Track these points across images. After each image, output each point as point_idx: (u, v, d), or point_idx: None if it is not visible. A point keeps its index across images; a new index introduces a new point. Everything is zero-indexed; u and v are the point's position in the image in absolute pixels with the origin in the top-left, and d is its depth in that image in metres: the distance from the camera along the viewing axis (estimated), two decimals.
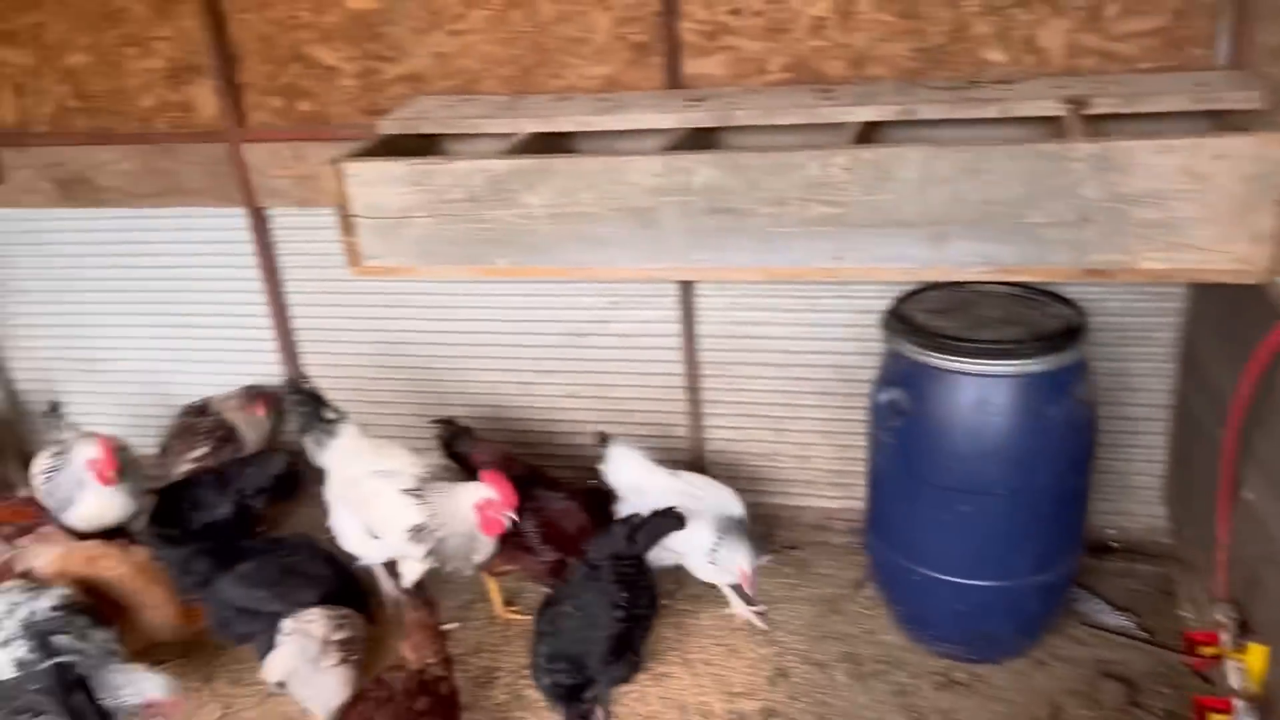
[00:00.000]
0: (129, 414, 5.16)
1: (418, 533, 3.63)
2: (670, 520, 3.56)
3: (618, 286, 4.37)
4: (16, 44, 4.56)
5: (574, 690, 3.38)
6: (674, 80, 4.01)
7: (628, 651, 3.45)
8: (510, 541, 3.87)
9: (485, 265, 3.69)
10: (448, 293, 4.60)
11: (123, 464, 4.15)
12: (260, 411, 4.74)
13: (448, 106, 4.06)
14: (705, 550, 3.85)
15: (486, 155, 3.62)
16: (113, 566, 3.69)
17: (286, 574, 3.65)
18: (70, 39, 4.49)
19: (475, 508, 3.61)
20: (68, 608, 3.35)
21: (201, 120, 4.51)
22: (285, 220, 4.66)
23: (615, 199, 3.46)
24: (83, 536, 4.01)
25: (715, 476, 4.21)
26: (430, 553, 3.65)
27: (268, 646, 3.46)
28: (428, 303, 4.66)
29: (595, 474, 4.21)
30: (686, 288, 4.30)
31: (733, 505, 3.94)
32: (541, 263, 3.64)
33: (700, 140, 3.67)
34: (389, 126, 3.96)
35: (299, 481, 4.39)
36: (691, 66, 3.99)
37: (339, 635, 3.43)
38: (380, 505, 3.76)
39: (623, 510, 3.93)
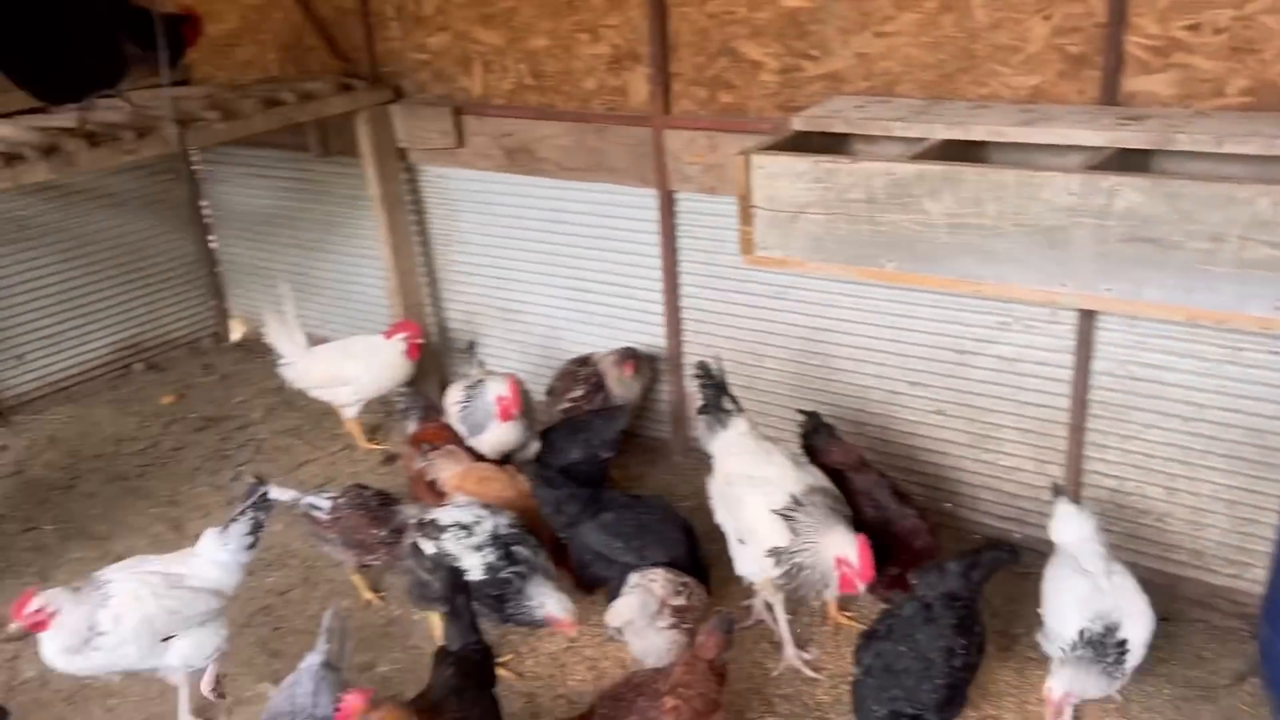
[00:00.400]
0: (530, 360, 5.76)
1: (776, 555, 3.67)
2: (1005, 554, 3.35)
3: (1010, 307, 4.17)
4: (492, 26, 5.21)
5: None
6: (1109, 96, 3.73)
7: (958, 698, 3.32)
8: None
9: (873, 268, 3.68)
10: (829, 291, 4.64)
11: (524, 403, 4.69)
12: (628, 372, 5.09)
13: (860, 107, 4.08)
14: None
15: (892, 158, 3.60)
16: (499, 490, 4.16)
17: (642, 530, 3.90)
18: (535, 23, 5.05)
19: (835, 560, 3.57)
20: (521, 526, 3.85)
21: (632, 105, 4.89)
22: (690, 205, 4.93)
23: (1022, 215, 3.30)
24: (482, 459, 4.54)
25: None
26: (784, 575, 3.67)
27: (614, 594, 3.73)
28: (808, 299, 4.73)
29: (951, 499, 4.07)
30: (1086, 318, 4.00)
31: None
32: (931, 272, 3.56)
33: (1128, 162, 3.40)
34: (800, 123, 4.06)
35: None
36: (1132, 83, 3.69)
37: (677, 600, 3.61)
38: (748, 514, 3.83)
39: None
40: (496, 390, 4.65)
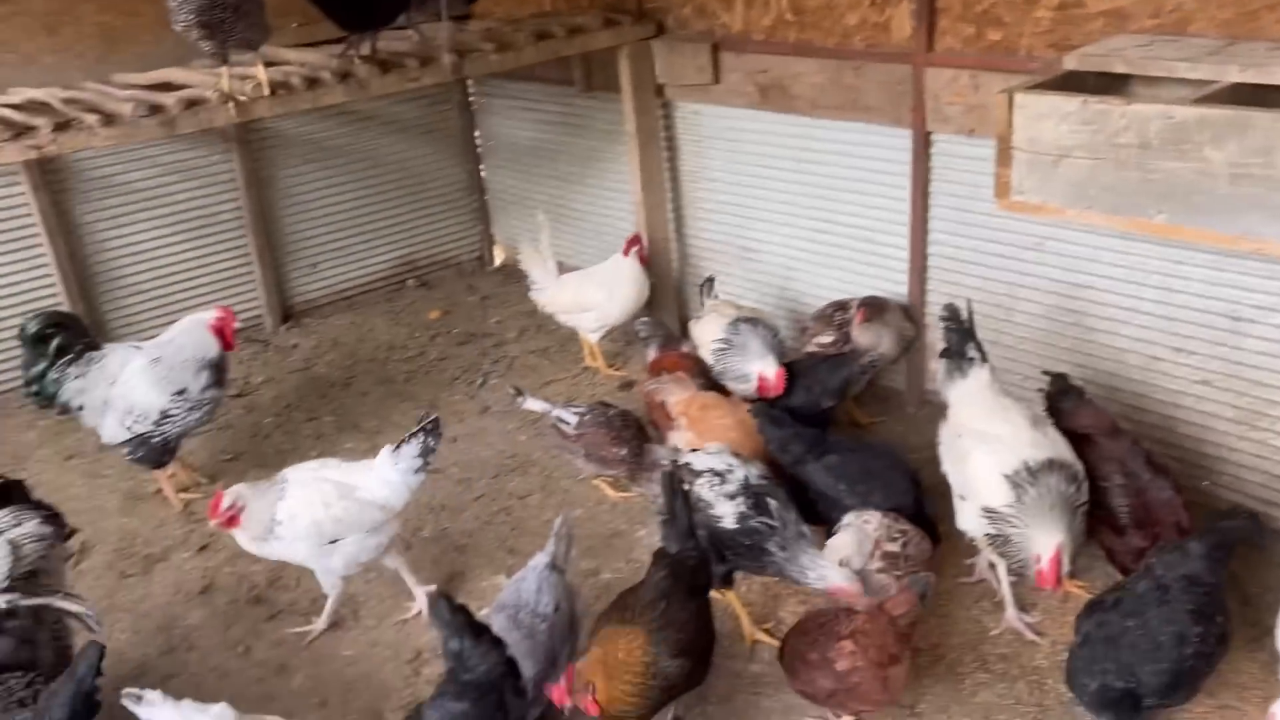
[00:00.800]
0: (766, 300, 5.80)
1: (991, 516, 3.58)
2: (1245, 525, 3.07)
3: None
4: None
5: (1122, 704, 3.14)
6: None
7: (1186, 684, 3.12)
8: (1097, 518, 3.67)
9: (1140, 218, 3.43)
10: (1091, 245, 4.37)
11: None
12: (858, 319, 4.93)
13: (1143, 46, 3.77)
14: None
15: (1173, 101, 3.32)
16: (719, 417, 4.25)
17: (868, 475, 3.88)
18: None
19: (1039, 557, 3.44)
20: (770, 479, 3.79)
21: (893, 41, 4.76)
22: (946, 147, 4.76)
23: None
24: (711, 387, 4.64)
25: None
26: (994, 539, 3.59)
27: (831, 533, 3.76)
28: (1067, 252, 4.47)
29: (1210, 478, 3.76)
30: None
31: None
32: (1207, 226, 3.28)
33: None
34: (1073, 62, 3.80)
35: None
36: None
37: (891, 545, 3.58)
38: (971, 468, 3.72)
39: None
40: (761, 369, 4.63)
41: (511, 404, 5.66)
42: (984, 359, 3.99)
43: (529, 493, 4.92)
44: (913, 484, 3.92)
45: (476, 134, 7.56)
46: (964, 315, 4.03)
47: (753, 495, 3.68)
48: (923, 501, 3.93)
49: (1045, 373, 4.27)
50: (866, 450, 4.14)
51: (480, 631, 2.98)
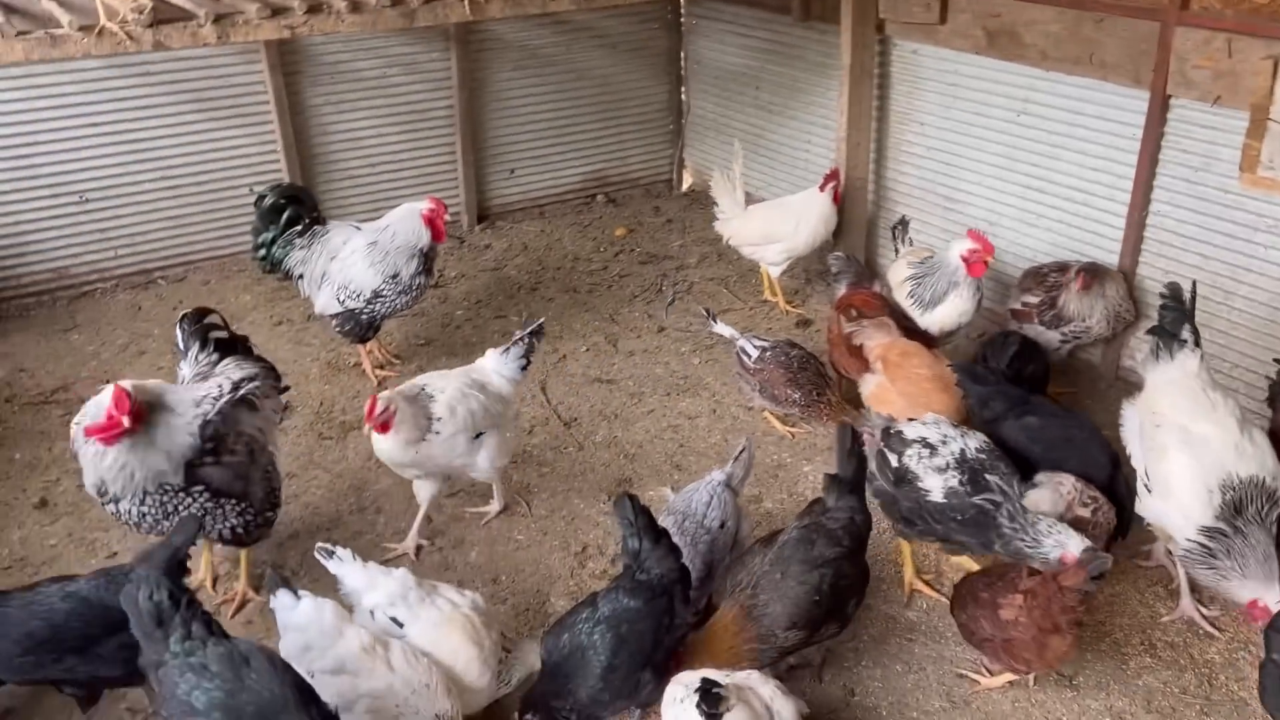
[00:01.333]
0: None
1: (1196, 541, 3.37)
2: None
3: None
4: None
5: None
6: None
7: None
8: None
9: None
10: None
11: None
12: (1077, 285, 4.72)
13: None
14: None
15: None
16: (919, 367, 4.19)
17: (1065, 443, 3.73)
18: None
19: (1249, 601, 3.26)
20: (992, 451, 3.60)
21: None
22: (1185, 113, 4.48)
23: None
24: (911, 334, 4.60)
25: None
26: (1188, 555, 3.40)
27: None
28: None
29: None
30: None
31: None
32: None
33: None
34: None
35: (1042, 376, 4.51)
36: None
37: (1083, 510, 3.50)
38: (1168, 469, 3.47)
39: None
40: (961, 248, 4.64)
41: (688, 326, 5.78)
42: (1197, 344, 3.74)
43: (698, 414, 5.01)
44: (1111, 461, 3.75)
45: (682, 55, 7.56)
46: (1185, 295, 3.77)
47: (968, 470, 3.50)
48: (1117, 480, 3.76)
49: (1277, 360, 4.02)
50: (1069, 418, 3.96)
51: (659, 535, 3.09)
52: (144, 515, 3.37)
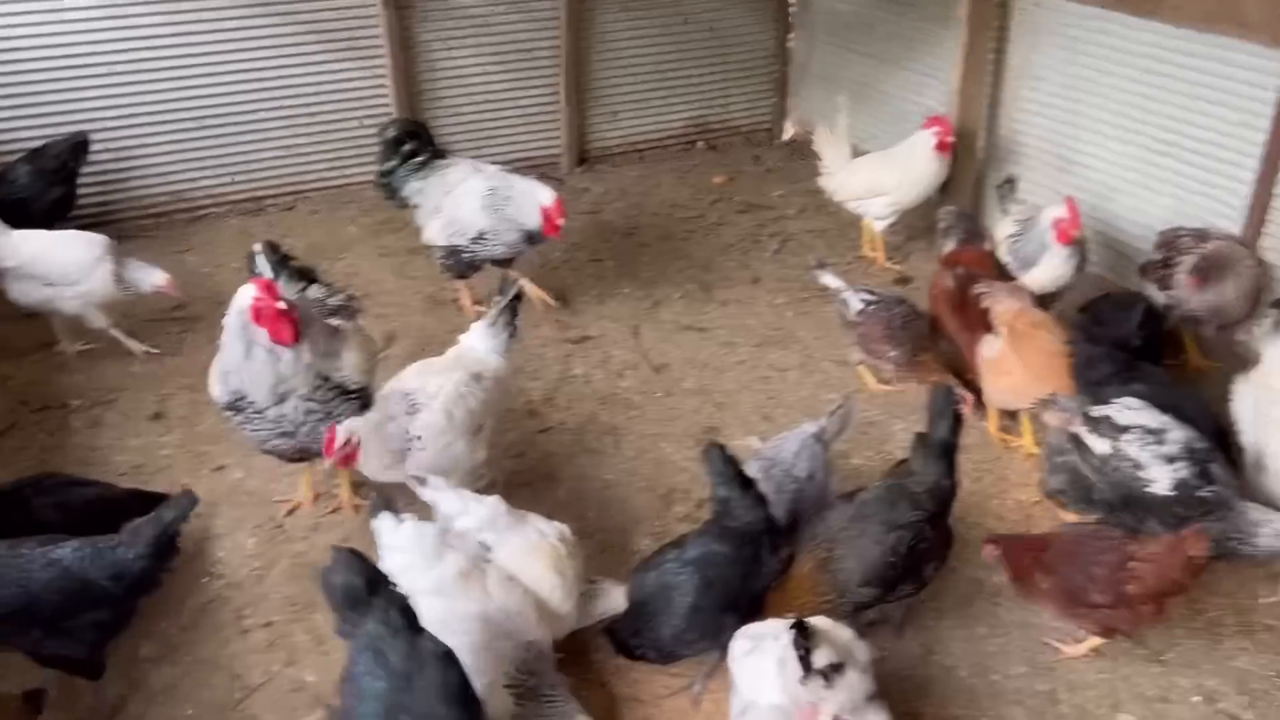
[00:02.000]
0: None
1: None
2: None
3: None
4: None
5: None
6: None
7: None
8: None
9: None
10: None
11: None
12: (1190, 282, 4.35)
13: None
14: None
15: None
16: (1046, 340, 4.05)
17: (1173, 412, 3.60)
18: None
19: None
20: (1207, 444, 3.40)
21: None
22: None
23: None
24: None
25: None
26: None
27: None
28: None
29: None
30: None
31: None
32: None
33: None
34: None
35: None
36: None
37: None
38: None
39: None
40: (1054, 213, 4.58)
41: (785, 278, 5.73)
42: None
43: (789, 367, 4.99)
44: (1216, 436, 3.62)
45: (791, 1, 7.41)
46: None
47: (1198, 462, 3.33)
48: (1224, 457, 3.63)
49: None
50: (1178, 391, 3.83)
51: (748, 484, 3.11)
52: (310, 413, 3.55)
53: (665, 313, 5.46)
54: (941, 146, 5.42)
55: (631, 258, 6.03)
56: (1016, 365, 4.05)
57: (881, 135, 6.67)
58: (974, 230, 5.12)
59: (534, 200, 4.96)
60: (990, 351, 4.18)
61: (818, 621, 2.88)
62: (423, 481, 3.27)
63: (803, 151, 7.17)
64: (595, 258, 6.05)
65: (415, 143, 5.14)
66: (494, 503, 3.26)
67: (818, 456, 3.63)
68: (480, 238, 4.98)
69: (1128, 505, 3.41)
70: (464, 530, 3.19)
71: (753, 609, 3.14)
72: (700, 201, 6.77)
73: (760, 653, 2.75)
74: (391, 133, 5.15)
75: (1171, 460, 3.34)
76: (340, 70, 6.35)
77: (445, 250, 5.08)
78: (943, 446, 3.32)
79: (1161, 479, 3.33)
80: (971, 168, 6.01)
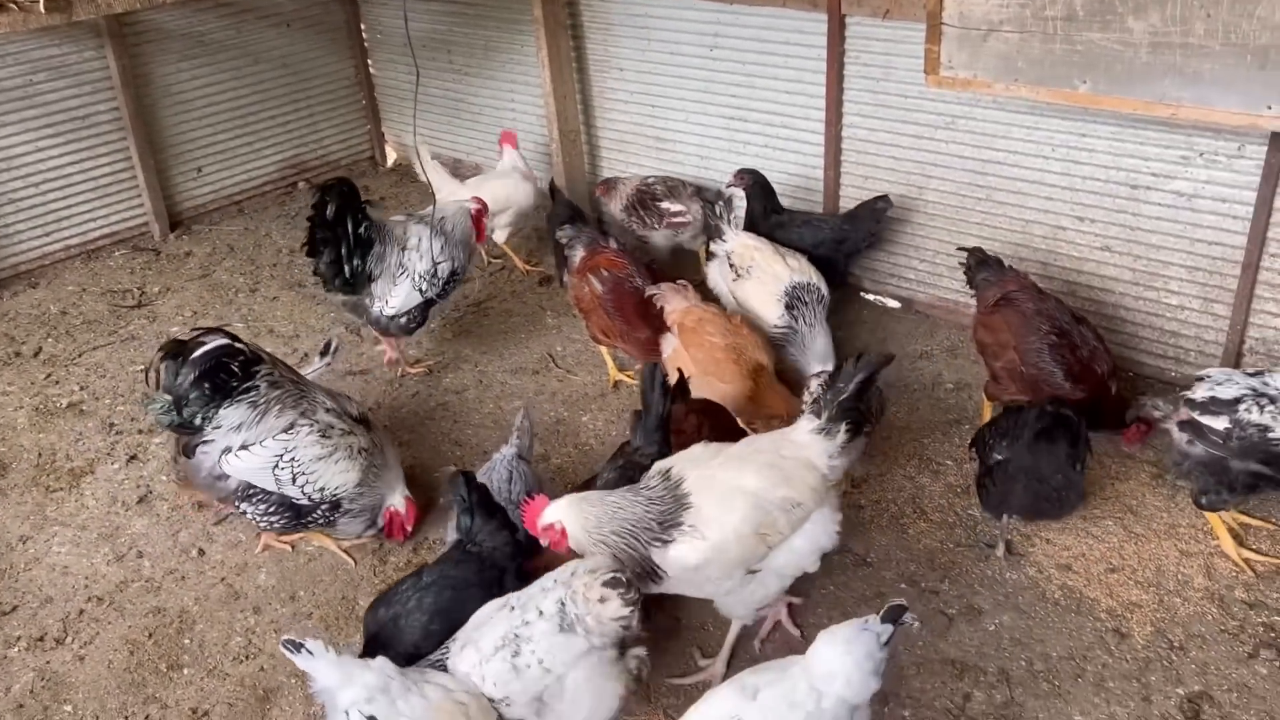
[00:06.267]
0: None
1: None
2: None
3: (1194, 140, 4.09)
4: None
5: None
6: None
7: None
8: (1033, 379, 3.94)
9: (1064, 89, 3.65)
10: (1001, 122, 4.59)
11: None
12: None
13: None
14: None
15: None
16: (713, 335, 4.23)
17: None
18: None
19: None
20: None
21: None
22: (860, 30, 4.87)
23: (1233, 33, 3.23)
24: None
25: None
26: None
27: None
28: (978, 129, 4.69)
29: (1110, 337, 4.06)
30: (1276, 153, 3.90)
31: None
32: (1126, 94, 3.53)
33: None
34: None
35: None
36: None
37: None
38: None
39: None
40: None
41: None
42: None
43: (465, 388, 4.92)
44: None
45: (363, 27, 7.25)
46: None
47: None
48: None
49: (960, 248, 4.51)
50: None
51: (493, 511, 3.03)
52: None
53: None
54: (477, 220, 5.10)
55: (263, 315, 5.62)
56: (687, 361, 4.21)
57: (486, 147, 6.76)
58: (594, 234, 5.16)
59: (463, 212, 4.87)
60: (667, 349, 4.34)
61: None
62: (297, 648, 2.62)
63: (411, 175, 7.10)
64: (221, 322, 5.55)
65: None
66: (381, 665, 2.71)
67: (527, 473, 3.62)
68: (451, 275, 4.79)
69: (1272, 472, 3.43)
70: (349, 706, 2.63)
71: None
72: None
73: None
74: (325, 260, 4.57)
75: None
76: None
77: (417, 307, 4.73)
78: (659, 419, 3.44)
79: None
80: (581, 165, 6.25)
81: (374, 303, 4.70)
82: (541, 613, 2.70)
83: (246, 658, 3.46)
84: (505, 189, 5.69)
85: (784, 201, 5.21)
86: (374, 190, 7.17)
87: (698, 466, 2.99)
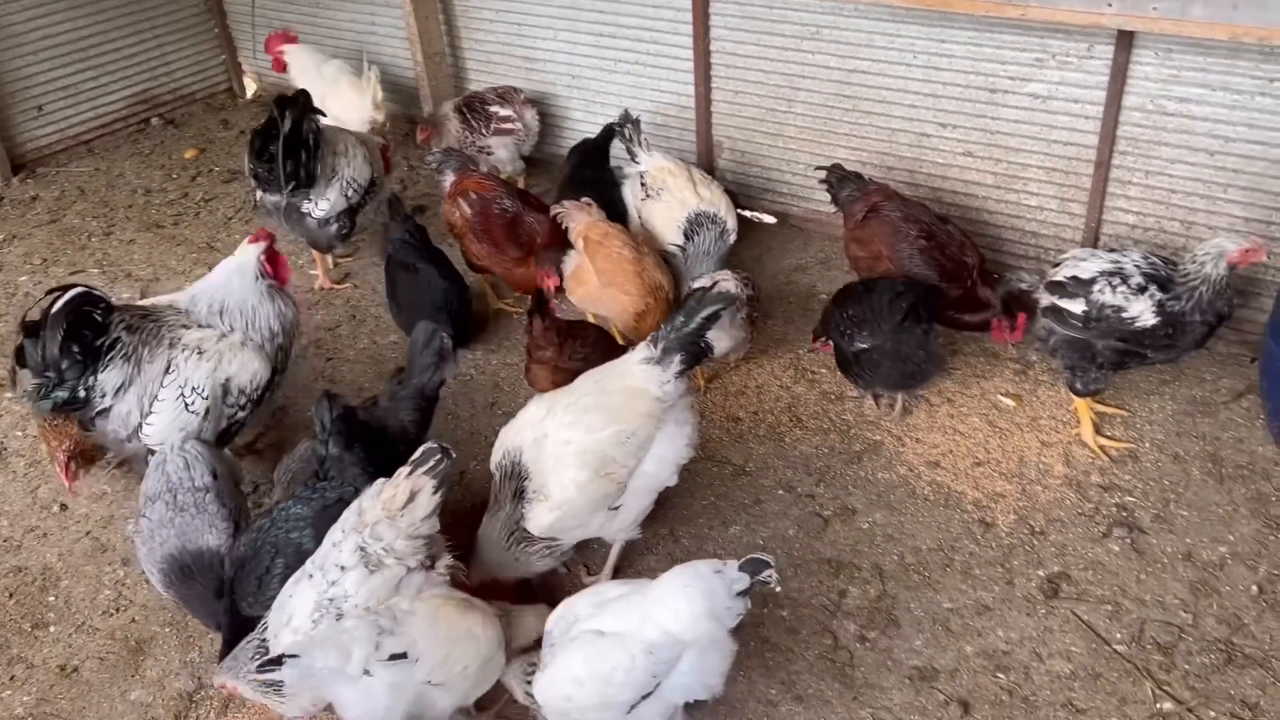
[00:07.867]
0: (556, 108, 5.76)
1: None
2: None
3: (1046, 43, 4.17)
4: None
5: None
6: None
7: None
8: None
9: None
10: (863, 30, 4.62)
11: None
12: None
13: None
14: None
15: None
16: (621, 248, 4.20)
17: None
18: None
19: None
20: (1150, 255, 3.59)
21: None
22: None
23: None
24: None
25: None
26: None
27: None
28: (842, 39, 4.70)
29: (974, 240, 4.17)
30: (1123, 51, 4.01)
31: None
32: None
33: None
34: None
35: None
36: None
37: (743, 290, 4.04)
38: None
39: None
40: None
41: (298, 239, 5.42)
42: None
43: (338, 323, 4.79)
44: None
45: None
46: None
47: (1158, 281, 3.44)
48: None
49: (819, 168, 4.54)
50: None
51: (351, 443, 2.95)
52: None
53: None
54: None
55: (120, 258, 5.35)
56: (591, 274, 4.16)
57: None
58: (464, 158, 5.06)
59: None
60: (570, 266, 4.26)
61: None
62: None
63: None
64: (75, 269, 5.28)
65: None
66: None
67: (205, 454, 3.23)
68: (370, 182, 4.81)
69: (1127, 349, 3.53)
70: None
71: None
72: (178, 181, 6.15)
73: None
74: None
75: (1143, 290, 3.46)
76: None
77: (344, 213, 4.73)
78: (417, 392, 3.36)
79: (1144, 311, 3.45)
80: (449, 88, 6.06)
81: (311, 206, 4.66)
82: (344, 567, 2.62)
83: (116, 610, 3.36)
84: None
85: (658, 120, 5.16)
86: (235, 123, 6.85)
87: (532, 430, 3.09)
